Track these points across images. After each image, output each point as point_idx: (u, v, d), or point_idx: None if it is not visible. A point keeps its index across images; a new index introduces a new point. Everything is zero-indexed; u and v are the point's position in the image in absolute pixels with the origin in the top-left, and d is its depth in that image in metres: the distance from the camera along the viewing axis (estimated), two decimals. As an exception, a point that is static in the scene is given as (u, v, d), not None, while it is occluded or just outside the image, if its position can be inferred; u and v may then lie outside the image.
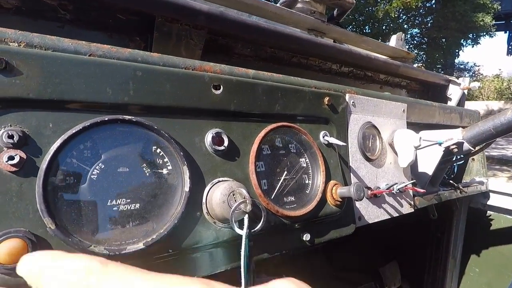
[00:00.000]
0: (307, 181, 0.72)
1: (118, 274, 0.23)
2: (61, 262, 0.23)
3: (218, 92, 0.58)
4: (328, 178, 0.74)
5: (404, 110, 1.04)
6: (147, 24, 0.73)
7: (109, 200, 0.45)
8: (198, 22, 0.73)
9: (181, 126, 0.54)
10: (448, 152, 1.08)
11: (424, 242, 1.69)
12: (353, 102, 0.87)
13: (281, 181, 0.67)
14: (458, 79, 1.60)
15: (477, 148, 1.07)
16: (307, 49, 0.97)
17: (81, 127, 0.44)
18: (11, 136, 0.40)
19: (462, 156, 1.20)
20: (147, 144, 0.50)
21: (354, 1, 1.40)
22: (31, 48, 0.43)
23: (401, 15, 15.33)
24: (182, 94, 0.54)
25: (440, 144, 1.05)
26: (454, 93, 1.57)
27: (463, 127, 1.09)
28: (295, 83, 0.74)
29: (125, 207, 0.46)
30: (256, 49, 0.96)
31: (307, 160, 0.74)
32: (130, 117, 0.48)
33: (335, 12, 1.46)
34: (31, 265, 0.25)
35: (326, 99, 0.77)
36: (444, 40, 15.23)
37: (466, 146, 1.04)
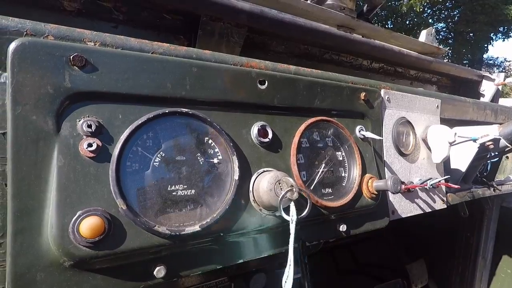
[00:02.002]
0: (343, 174, 0.74)
1: None
2: None
3: (263, 87, 0.62)
4: (364, 172, 0.76)
5: (438, 106, 1.04)
6: (191, 23, 0.77)
7: (169, 186, 0.50)
8: (239, 21, 0.77)
9: (230, 119, 0.58)
10: (483, 148, 1.06)
11: (452, 241, 1.66)
12: (388, 98, 0.87)
13: (319, 173, 0.70)
14: (492, 74, 1.56)
15: (514, 145, 1.05)
16: (342, 45, 0.98)
17: (145, 119, 0.49)
18: (89, 126, 0.44)
19: (497, 153, 1.18)
20: (201, 135, 0.54)
21: (385, -4, 1.39)
22: (104, 46, 0.48)
23: (426, 9, 14.78)
24: (231, 88, 0.58)
25: (475, 140, 1.03)
26: (487, 89, 1.52)
27: (498, 125, 1.07)
28: (333, 78, 0.76)
29: (182, 193, 0.51)
30: (290, 46, 0.98)
31: (343, 153, 0.75)
32: (187, 110, 0.52)
33: (364, 8, 1.45)
34: None
35: (363, 94, 0.79)
36: (472, 34, 14.56)
37: (503, 142, 1.02)
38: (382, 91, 0.86)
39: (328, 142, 0.74)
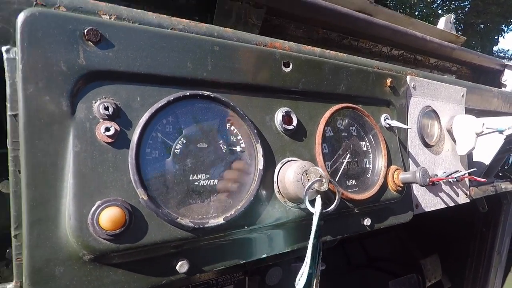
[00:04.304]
0: (368, 165, 0.70)
1: None
2: None
3: (288, 69, 0.57)
4: (389, 163, 0.72)
5: (463, 95, 0.98)
6: (206, 2, 0.72)
7: (191, 175, 0.46)
8: (259, 0, 0.72)
9: (253, 104, 0.54)
10: (509, 141, 1.01)
11: (467, 236, 1.62)
12: (413, 85, 0.82)
13: (344, 164, 0.66)
14: (514, 63, 1.49)
15: (543, 137, 0.99)
16: (363, 29, 0.93)
17: (166, 101, 0.45)
18: (106, 108, 0.41)
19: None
20: (223, 120, 0.50)
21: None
22: (120, 20, 0.44)
23: (436, -1, 14.42)
24: (254, 70, 0.53)
25: (501, 132, 0.99)
26: (510, 78, 1.46)
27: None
28: (359, 62, 0.71)
29: (205, 182, 0.47)
30: (309, 30, 0.93)
31: (368, 143, 0.71)
32: (208, 93, 0.48)
33: (383, -8, 1.39)
34: None
35: (389, 80, 0.74)
36: (482, 26, 14.21)
37: (532, 134, 0.97)
38: (408, 78, 0.81)
39: (352, 131, 0.70)
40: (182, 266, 0.44)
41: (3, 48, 0.37)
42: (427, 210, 0.83)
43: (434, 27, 1.57)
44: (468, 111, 1.03)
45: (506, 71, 1.46)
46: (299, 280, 0.50)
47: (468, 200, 0.97)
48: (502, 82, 1.48)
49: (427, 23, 1.52)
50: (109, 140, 0.41)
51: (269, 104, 0.56)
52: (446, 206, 0.90)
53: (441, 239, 1.71)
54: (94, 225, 0.37)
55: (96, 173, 0.39)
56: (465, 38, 1.72)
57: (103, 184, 0.39)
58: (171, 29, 0.48)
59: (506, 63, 1.47)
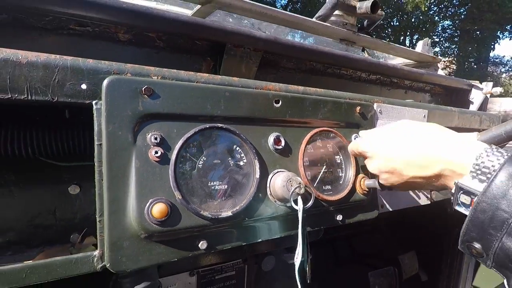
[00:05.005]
0: (340, 174, 0.91)
1: None
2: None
3: (278, 105, 0.78)
4: (357, 172, 0.93)
5: (425, 115, 1.19)
6: (217, 48, 0.94)
7: (209, 182, 0.67)
8: (257, 47, 0.93)
9: (252, 131, 0.75)
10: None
11: (442, 234, 1.83)
12: (380, 110, 1.04)
13: (321, 173, 0.87)
14: (481, 84, 1.70)
15: (491, 150, 1.20)
16: (343, 62, 1.14)
17: (193, 132, 0.66)
18: (156, 138, 0.62)
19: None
20: (231, 143, 0.72)
21: (383, 13, 1.54)
22: (164, 79, 0.65)
23: (432, 6, 14.72)
24: (254, 107, 0.74)
25: (457, 146, 1.19)
26: (476, 97, 1.67)
27: (477, 132, 1.22)
28: (333, 95, 0.92)
29: (218, 187, 0.68)
30: (298, 63, 1.14)
31: (341, 157, 0.92)
32: (221, 125, 0.69)
33: (365, 22, 1.61)
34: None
35: (358, 108, 0.95)
36: (478, 32, 14.52)
37: (481, 148, 1.18)
38: (375, 105, 1.02)
39: (328, 147, 0.91)
40: (202, 245, 0.65)
41: (94, 102, 0.58)
42: (391, 209, 1.04)
43: (412, 50, 1.80)
44: (432, 127, 1.24)
45: (473, 90, 1.68)
46: (296, 258, 0.70)
47: (429, 202, 1.18)
48: (470, 99, 1.69)
49: (404, 47, 1.74)
50: (157, 159, 0.62)
51: (264, 131, 0.77)
52: (408, 207, 1.10)
53: (421, 237, 1.92)
54: (149, 215, 0.58)
55: (149, 181, 0.60)
56: (442, 59, 1.93)
57: (153, 188, 0.60)
58: (196, 82, 0.69)
59: (472, 83, 1.68)
